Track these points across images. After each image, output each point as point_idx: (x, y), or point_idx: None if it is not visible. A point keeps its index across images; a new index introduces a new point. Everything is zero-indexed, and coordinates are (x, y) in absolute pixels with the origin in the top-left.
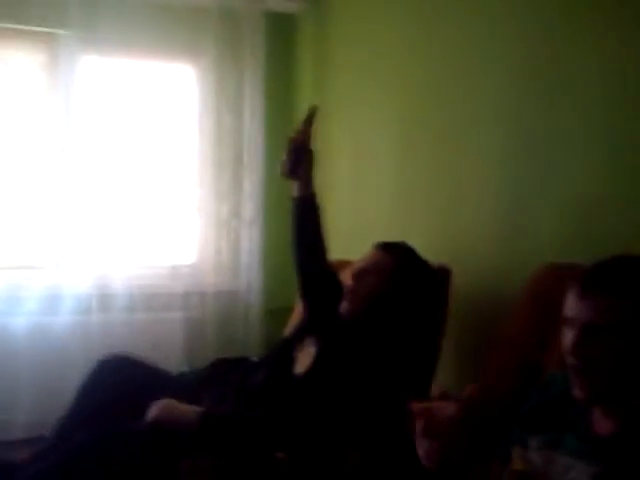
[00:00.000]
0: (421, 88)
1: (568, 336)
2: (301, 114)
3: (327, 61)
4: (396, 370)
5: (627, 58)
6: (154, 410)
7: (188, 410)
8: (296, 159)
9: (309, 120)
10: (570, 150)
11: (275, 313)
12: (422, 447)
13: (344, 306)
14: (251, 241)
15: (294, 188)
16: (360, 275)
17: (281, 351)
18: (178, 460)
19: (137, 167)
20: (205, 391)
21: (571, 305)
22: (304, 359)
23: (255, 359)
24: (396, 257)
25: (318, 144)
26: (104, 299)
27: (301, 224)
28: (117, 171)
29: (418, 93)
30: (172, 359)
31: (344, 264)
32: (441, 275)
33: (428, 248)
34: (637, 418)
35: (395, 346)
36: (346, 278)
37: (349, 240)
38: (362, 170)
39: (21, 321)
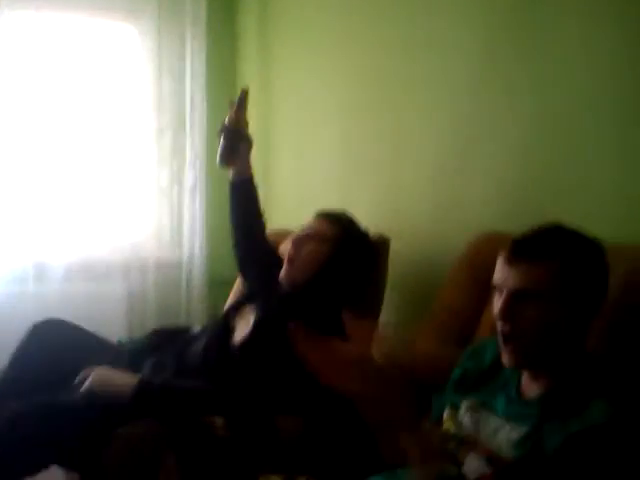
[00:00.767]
0: (366, 61)
1: (497, 302)
2: (244, 80)
3: (271, 27)
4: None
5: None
6: (88, 380)
7: (123, 379)
8: (231, 147)
9: (240, 104)
10: (505, 123)
11: (219, 284)
12: None
13: (283, 273)
14: (193, 209)
15: (231, 173)
16: (300, 242)
17: (220, 321)
18: (112, 430)
19: (71, 131)
20: (143, 360)
21: (500, 272)
22: (242, 328)
23: (195, 329)
24: (336, 225)
25: (261, 115)
26: (40, 269)
27: (238, 207)
28: (49, 135)
29: (363, 65)
30: (112, 331)
31: (287, 234)
32: (380, 244)
33: (368, 218)
34: (562, 381)
35: (333, 314)
36: (287, 247)
37: (292, 210)
38: (306, 141)
39: None
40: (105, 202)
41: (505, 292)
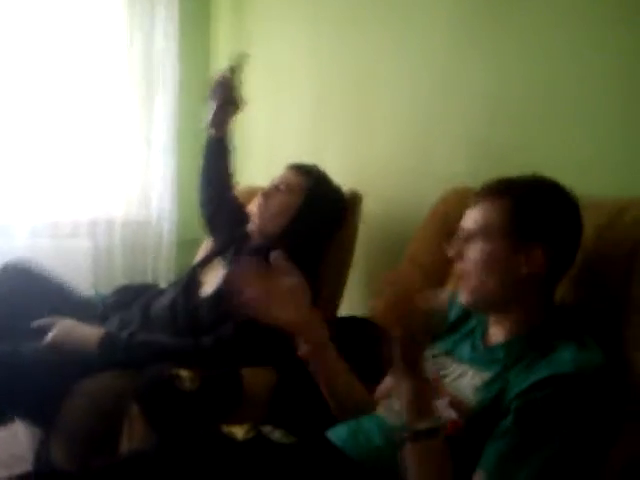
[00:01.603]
0: (339, 22)
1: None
2: (217, 36)
3: None
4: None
5: None
6: (52, 331)
7: (88, 331)
8: (224, 111)
9: (234, 70)
10: (474, 79)
11: (188, 243)
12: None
13: (253, 225)
14: (163, 169)
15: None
16: (269, 194)
17: (188, 275)
18: (74, 383)
19: (37, 89)
20: (110, 315)
21: (464, 217)
22: (211, 281)
23: (162, 286)
24: (306, 176)
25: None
26: (6, 227)
27: (213, 163)
28: (14, 92)
29: (335, 26)
30: (79, 288)
31: (258, 191)
32: (352, 201)
33: (340, 176)
34: (528, 328)
35: (303, 267)
36: (257, 200)
37: (264, 168)
38: (278, 98)
39: None
40: (74, 160)
41: (460, 232)
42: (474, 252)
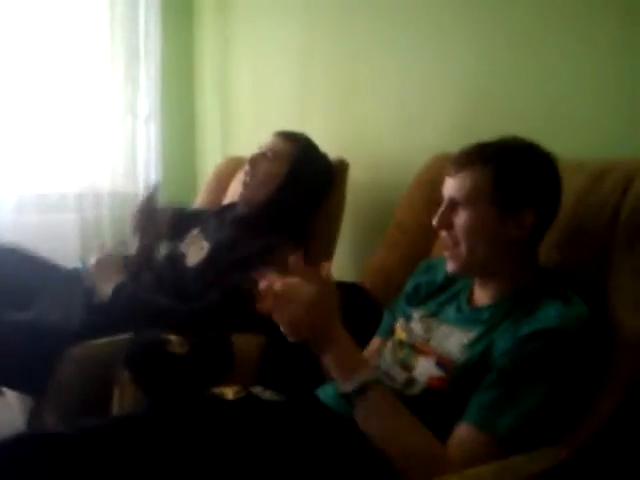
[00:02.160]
0: None
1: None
2: (200, 5)
3: None
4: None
5: None
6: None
7: (112, 275)
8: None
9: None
10: (459, 45)
11: None
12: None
13: (240, 193)
14: (148, 139)
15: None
16: (256, 161)
17: (172, 246)
18: (63, 350)
19: (21, 61)
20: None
21: (445, 185)
22: (194, 254)
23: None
24: (293, 143)
25: (218, 44)
26: None
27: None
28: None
29: None
30: (66, 262)
31: (245, 161)
32: (339, 168)
33: (326, 144)
34: (513, 289)
35: (290, 235)
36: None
37: (250, 138)
38: (263, 66)
39: None
40: (58, 133)
41: (445, 201)
42: (462, 220)
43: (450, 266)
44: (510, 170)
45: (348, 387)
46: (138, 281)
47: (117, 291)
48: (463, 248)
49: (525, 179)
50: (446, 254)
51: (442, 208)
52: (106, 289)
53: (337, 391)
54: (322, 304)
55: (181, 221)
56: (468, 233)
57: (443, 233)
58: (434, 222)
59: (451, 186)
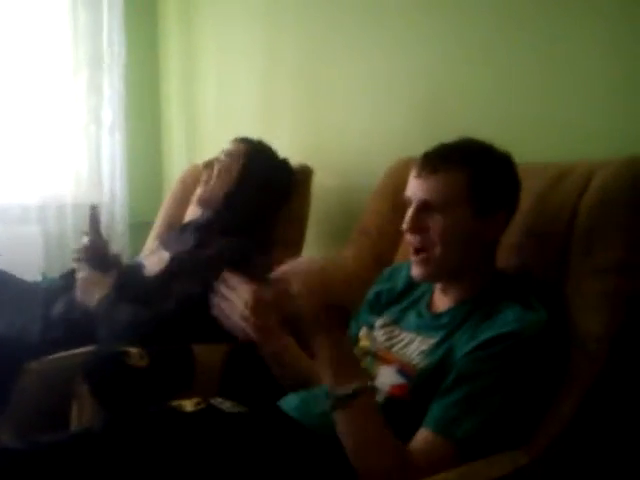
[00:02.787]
0: None
1: (406, 215)
2: (165, 10)
3: None
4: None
5: None
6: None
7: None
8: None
9: (94, 225)
10: (421, 49)
11: (140, 225)
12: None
13: (199, 196)
14: (112, 149)
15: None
16: (211, 163)
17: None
18: (22, 364)
19: None
20: (56, 298)
21: (409, 186)
22: (154, 263)
23: None
24: (247, 143)
25: (183, 50)
26: None
27: None
28: None
29: None
30: (29, 275)
31: None
32: (302, 175)
33: (291, 151)
34: (473, 294)
35: (253, 238)
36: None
37: (214, 145)
38: (227, 73)
39: None
40: (20, 142)
41: (414, 204)
42: (438, 224)
43: (418, 271)
44: (486, 173)
45: (344, 390)
46: (70, 305)
47: (101, 304)
48: (438, 252)
49: (500, 182)
50: (413, 259)
51: (412, 211)
52: (91, 302)
53: (327, 391)
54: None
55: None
56: (444, 236)
57: (410, 237)
58: (404, 225)
59: (422, 188)
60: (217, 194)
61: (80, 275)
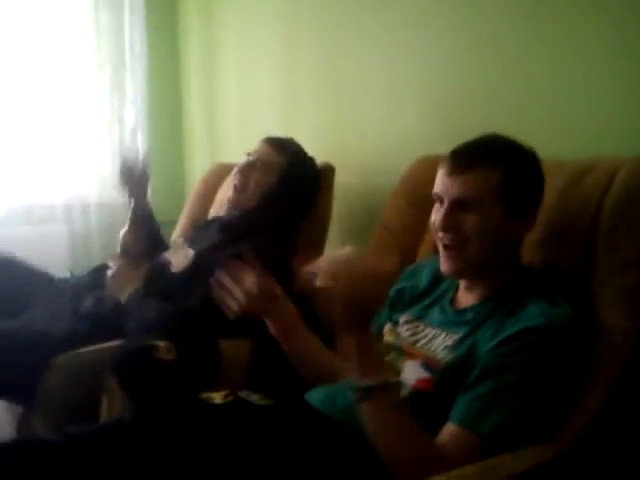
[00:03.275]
0: None
1: (437, 214)
2: (186, 11)
3: None
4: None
5: None
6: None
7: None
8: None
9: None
10: (439, 46)
11: (162, 224)
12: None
13: (231, 199)
14: (137, 150)
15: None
16: (246, 171)
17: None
18: (51, 358)
19: (9, 72)
20: (85, 295)
21: (440, 182)
22: (179, 258)
23: None
24: (282, 153)
25: (204, 51)
26: None
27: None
28: None
29: None
30: (56, 273)
31: (231, 168)
32: (325, 173)
33: (313, 149)
34: (498, 290)
35: (277, 238)
36: (234, 176)
37: (236, 145)
38: (249, 72)
39: None
40: (44, 143)
41: (446, 202)
42: (473, 222)
43: (449, 267)
44: (518, 171)
45: (369, 382)
46: (100, 300)
47: (131, 298)
48: (470, 249)
49: (529, 180)
50: (443, 254)
51: (445, 210)
52: (121, 296)
53: (353, 383)
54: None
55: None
56: (477, 234)
57: (442, 234)
58: (437, 224)
59: (455, 186)
60: (249, 202)
61: (110, 270)
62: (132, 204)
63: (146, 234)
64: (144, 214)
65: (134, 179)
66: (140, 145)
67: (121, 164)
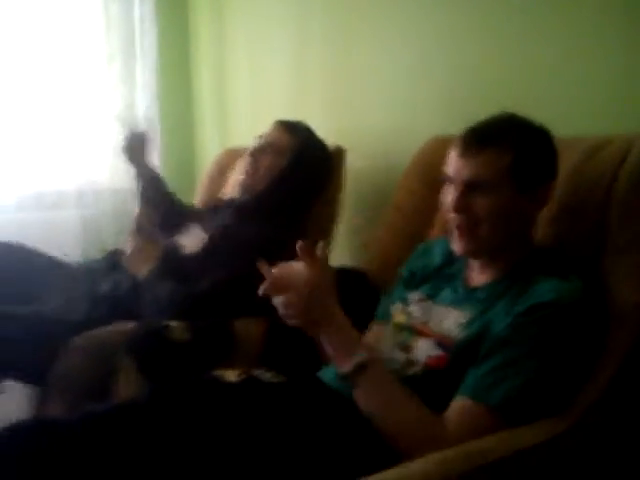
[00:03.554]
0: None
1: (449, 195)
2: (196, 2)
3: None
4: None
5: None
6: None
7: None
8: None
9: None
10: (450, 29)
11: None
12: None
13: (242, 182)
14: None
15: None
16: (258, 154)
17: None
18: (67, 339)
19: (18, 59)
20: (101, 279)
21: (452, 164)
22: (192, 241)
23: None
24: (294, 136)
25: (214, 35)
26: None
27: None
28: None
29: None
30: (68, 259)
31: (242, 152)
32: (336, 156)
33: (323, 131)
34: (510, 269)
35: (289, 221)
36: (245, 159)
37: (247, 128)
38: (260, 55)
39: None
40: (55, 130)
41: (459, 183)
42: (486, 203)
43: (462, 247)
44: (530, 151)
45: (346, 368)
46: (116, 284)
47: (150, 276)
48: (483, 230)
49: (542, 158)
50: (456, 234)
51: (457, 191)
52: (140, 273)
53: (336, 373)
54: (317, 287)
55: (176, 213)
56: (490, 215)
57: (454, 215)
58: (449, 206)
59: (467, 168)
60: (261, 185)
61: (129, 246)
62: (135, 171)
63: (159, 203)
64: (152, 181)
65: (135, 144)
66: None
67: (122, 131)
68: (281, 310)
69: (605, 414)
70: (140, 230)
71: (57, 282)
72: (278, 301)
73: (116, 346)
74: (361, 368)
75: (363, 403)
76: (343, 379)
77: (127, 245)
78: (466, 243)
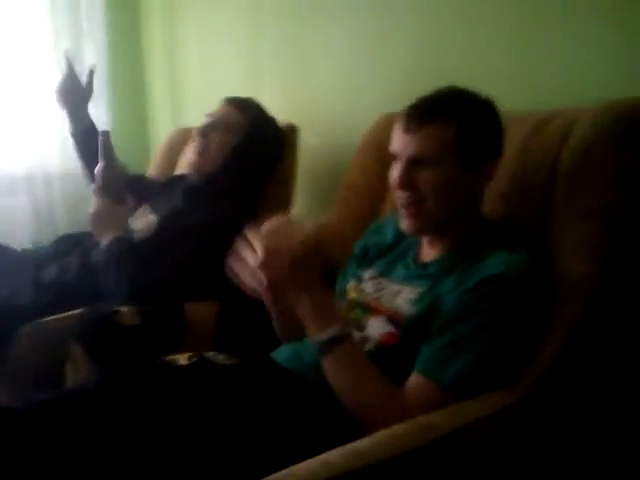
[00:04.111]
0: None
1: (395, 172)
2: None
3: None
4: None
5: None
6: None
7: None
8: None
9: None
10: (405, 9)
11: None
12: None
13: (192, 165)
14: (98, 118)
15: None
16: (207, 132)
17: None
18: (15, 330)
19: None
20: (49, 264)
21: (397, 140)
22: (142, 227)
23: None
24: (243, 112)
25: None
26: None
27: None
28: None
29: None
30: (19, 246)
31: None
32: (289, 133)
33: (277, 108)
34: (460, 243)
35: (242, 201)
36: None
37: (200, 106)
38: (213, 33)
39: None
40: (3, 114)
41: (403, 160)
42: (429, 178)
43: (408, 224)
44: (473, 124)
45: (325, 335)
46: (62, 269)
47: (111, 245)
48: (428, 206)
49: (486, 132)
50: (403, 213)
51: (402, 168)
52: (103, 239)
53: (311, 340)
54: (311, 249)
55: (136, 190)
56: (435, 191)
57: (400, 192)
58: (394, 183)
59: (410, 144)
60: (212, 164)
61: (93, 206)
62: (71, 121)
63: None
64: (88, 134)
65: (74, 94)
66: (102, 112)
67: (60, 78)
68: (263, 267)
69: (553, 386)
70: (101, 189)
71: (3, 268)
72: (266, 268)
73: (65, 333)
74: (338, 338)
75: (330, 372)
76: (318, 346)
77: (91, 206)
78: (413, 222)
